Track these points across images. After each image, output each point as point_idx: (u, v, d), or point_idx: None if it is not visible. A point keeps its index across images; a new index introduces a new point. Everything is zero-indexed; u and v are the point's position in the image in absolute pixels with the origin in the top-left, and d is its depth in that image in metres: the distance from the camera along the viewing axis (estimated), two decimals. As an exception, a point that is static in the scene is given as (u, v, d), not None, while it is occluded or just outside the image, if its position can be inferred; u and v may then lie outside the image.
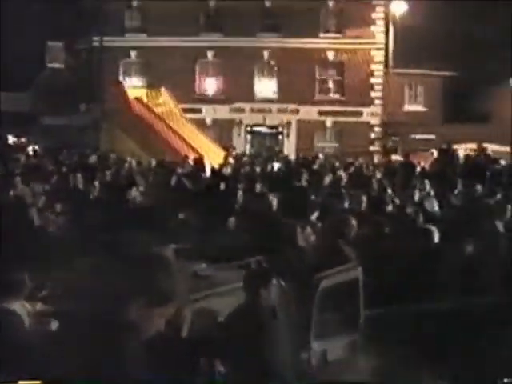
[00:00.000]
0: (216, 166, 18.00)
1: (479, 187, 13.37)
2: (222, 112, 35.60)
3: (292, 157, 26.72)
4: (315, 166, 18.74)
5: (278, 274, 7.55)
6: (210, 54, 36.05)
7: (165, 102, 27.76)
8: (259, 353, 6.06)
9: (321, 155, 22.85)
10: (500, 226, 9.32)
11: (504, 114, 33.64)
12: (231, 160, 19.70)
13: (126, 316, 2.98)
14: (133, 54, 36.19)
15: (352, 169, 18.47)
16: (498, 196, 12.51)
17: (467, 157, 21.77)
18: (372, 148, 34.76)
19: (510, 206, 10.34)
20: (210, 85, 36.61)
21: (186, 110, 29.73)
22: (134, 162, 18.55)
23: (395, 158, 24.89)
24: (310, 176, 16.00)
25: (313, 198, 13.09)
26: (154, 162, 18.55)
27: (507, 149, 27.80)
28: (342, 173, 16.29)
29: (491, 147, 23.63)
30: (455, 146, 23.67)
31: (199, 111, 34.83)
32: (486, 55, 32.69)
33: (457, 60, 33.78)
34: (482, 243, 8.75)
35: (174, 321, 4.91)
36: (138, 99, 27.29)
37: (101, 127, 27.06)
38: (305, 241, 9.34)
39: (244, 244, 10.09)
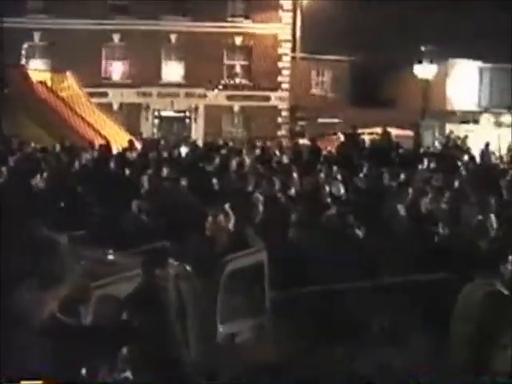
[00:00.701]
0: (121, 151, 17.79)
1: (384, 170, 13.63)
2: (129, 96, 35.15)
3: (200, 141, 26.66)
4: (224, 151, 18.73)
5: (183, 258, 7.54)
6: (116, 37, 35.48)
7: (70, 85, 27.26)
8: (162, 337, 6.04)
9: (231, 143, 22.85)
10: (402, 209, 9.55)
11: (407, 99, 34.47)
12: (138, 145, 19.52)
13: (16, 299, 2.94)
14: (36, 36, 35.24)
15: (258, 153, 18.53)
16: (402, 178, 12.80)
17: (372, 141, 22.23)
18: (280, 132, 35.01)
19: (411, 189, 10.59)
20: (117, 68, 36.05)
21: (91, 94, 29.24)
22: (38, 148, 18.13)
23: (303, 142, 25.13)
24: (219, 161, 16.01)
25: (221, 182, 13.10)
26: (58, 147, 18.16)
27: (410, 133, 28.50)
28: (247, 158, 16.29)
29: (395, 132, 24.15)
30: (361, 130, 24.13)
31: (105, 95, 34.28)
32: (392, 41, 33.32)
33: (363, 46, 34.30)
34: (384, 226, 8.95)
35: (74, 306, 4.86)
36: (41, 83, 26.70)
37: (3, 112, 26.28)
38: (214, 226, 9.33)
39: (150, 229, 10.05)
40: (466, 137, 26.11)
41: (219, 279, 7.36)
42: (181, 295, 6.91)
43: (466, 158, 19.34)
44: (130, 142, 18.96)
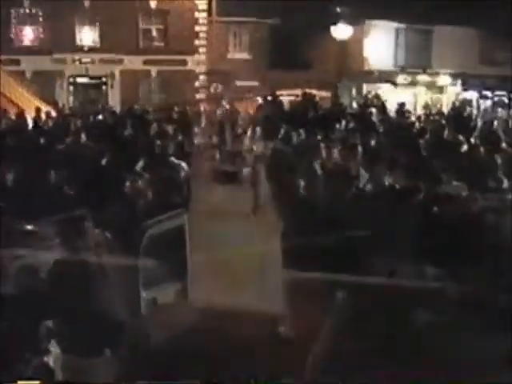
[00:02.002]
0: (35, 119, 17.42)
1: (301, 131, 13.77)
2: (43, 63, 34.24)
3: (117, 108, 26.28)
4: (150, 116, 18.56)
5: (104, 225, 7.49)
6: (26, 2, 34.45)
7: (-21, 53, 26.37)
8: (86, 304, 6.01)
9: (150, 108, 22.55)
10: (317, 167, 9.70)
11: (326, 60, 34.73)
12: (53, 113, 19.14)
13: None
14: None
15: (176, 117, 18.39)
16: (318, 138, 12.97)
17: (291, 102, 22.40)
18: (198, 96, 34.77)
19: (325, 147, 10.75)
20: (29, 34, 35.05)
21: (2, 62, 28.41)
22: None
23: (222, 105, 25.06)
24: (140, 126, 15.91)
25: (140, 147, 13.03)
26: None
27: (327, 94, 28.76)
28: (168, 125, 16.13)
29: (313, 93, 24.33)
30: (280, 92, 24.24)
31: (18, 63, 33.28)
32: (309, 3, 33.39)
33: (281, 8, 34.27)
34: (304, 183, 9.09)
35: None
36: (-51, 51, 25.76)
37: None
38: (133, 191, 9.31)
39: (70, 197, 9.94)
40: (382, 96, 26.52)
41: (140, 245, 7.34)
42: (102, 263, 6.87)
43: (382, 117, 19.63)
44: (38, 111, 18.48)
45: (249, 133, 14.38)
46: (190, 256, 7.74)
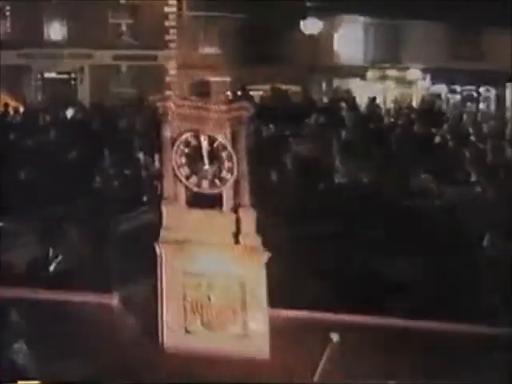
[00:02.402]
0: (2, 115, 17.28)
1: (271, 126, 13.80)
2: (10, 58, 33.84)
3: (86, 103, 26.08)
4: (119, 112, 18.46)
5: (74, 221, 7.45)
6: (-8, -3, 34.09)
7: None
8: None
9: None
10: (288, 160, 9.74)
11: (296, 55, 34.79)
12: (21, 108, 18.98)
13: None
14: None
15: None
16: (288, 133, 13.02)
17: (262, 97, 22.43)
18: (168, 92, 34.59)
19: (292, 139, 10.79)
20: (-5, 29, 34.68)
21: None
22: None
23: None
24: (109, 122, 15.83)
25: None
26: None
27: (298, 89, 28.81)
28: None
29: (283, 88, 24.39)
30: (250, 87, 24.25)
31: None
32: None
33: (252, 2, 34.23)
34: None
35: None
36: None
37: None
38: (103, 186, 9.28)
39: (41, 193, 9.87)
40: (352, 91, 26.63)
41: (112, 241, 7.31)
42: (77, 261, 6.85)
43: (352, 111, 19.68)
44: (6, 106, 18.33)
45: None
46: (164, 290, 7.07)
